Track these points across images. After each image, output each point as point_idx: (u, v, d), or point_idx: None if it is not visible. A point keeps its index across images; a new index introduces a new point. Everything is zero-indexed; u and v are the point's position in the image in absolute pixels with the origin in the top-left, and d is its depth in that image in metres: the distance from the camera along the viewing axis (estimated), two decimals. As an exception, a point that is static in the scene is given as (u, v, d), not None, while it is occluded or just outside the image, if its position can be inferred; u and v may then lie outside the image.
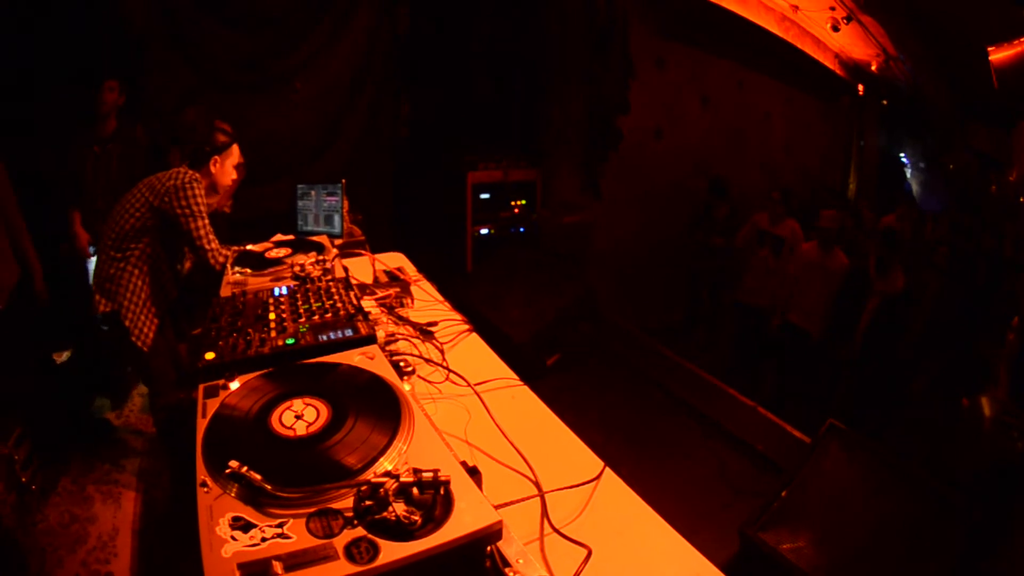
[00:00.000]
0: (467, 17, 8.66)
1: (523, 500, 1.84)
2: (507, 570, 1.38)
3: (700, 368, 7.04)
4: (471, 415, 2.29)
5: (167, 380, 4.21)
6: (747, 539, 4.01)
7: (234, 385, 1.87)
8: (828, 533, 3.95)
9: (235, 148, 4.16)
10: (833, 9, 10.22)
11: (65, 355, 5.85)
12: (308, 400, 1.72)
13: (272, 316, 2.41)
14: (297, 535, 1.26)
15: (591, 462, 2.09)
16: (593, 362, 7.14)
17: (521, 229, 9.08)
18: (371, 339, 2.24)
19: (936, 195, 12.68)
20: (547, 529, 1.75)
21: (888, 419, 6.69)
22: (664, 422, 6.50)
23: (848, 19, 10.26)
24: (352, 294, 2.66)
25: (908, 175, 14.12)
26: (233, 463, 1.38)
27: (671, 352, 7.51)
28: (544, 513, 1.80)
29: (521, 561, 1.39)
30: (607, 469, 2.03)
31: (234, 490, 1.38)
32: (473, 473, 1.52)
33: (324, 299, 2.58)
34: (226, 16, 6.82)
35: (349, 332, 2.25)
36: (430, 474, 1.33)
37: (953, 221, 9.39)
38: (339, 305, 2.51)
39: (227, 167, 4.13)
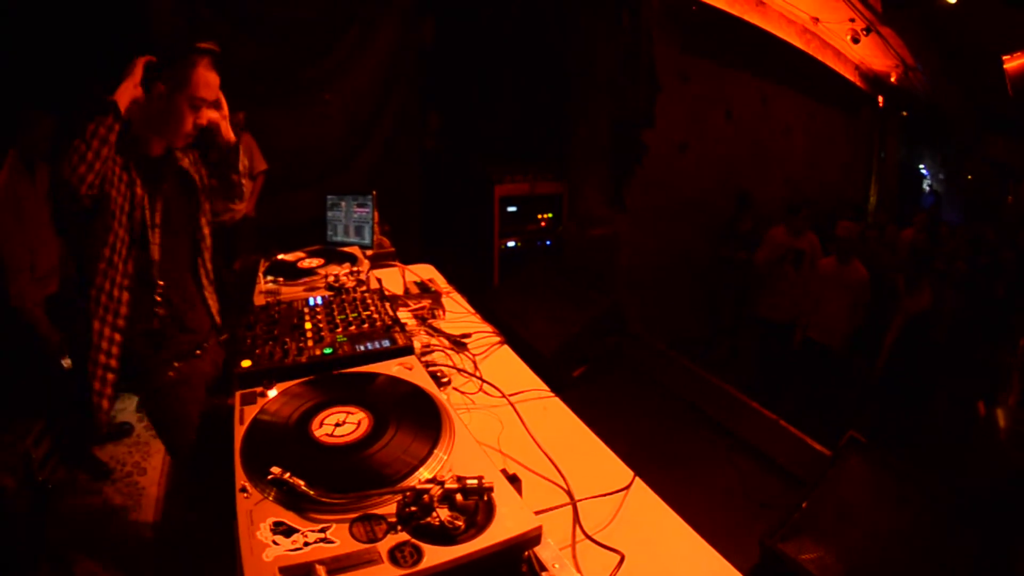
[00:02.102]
0: (493, 29, 8.68)
1: (556, 508, 1.86)
2: (543, 574, 1.38)
3: (723, 381, 7.04)
4: (504, 425, 2.31)
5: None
6: (767, 550, 4.02)
7: (272, 393, 1.89)
8: (847, 544, 3.94)
9: None
10: (853, 21, 10.23)
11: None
12: (348, 409, 1.75)
13: (308, 325, 2.44)
14: (340, 540, 1.28)
15: (621, 471, 2.10)
16: (618, 374, 7.13)
17: (547, 242, 9.08)
18: (408, 350, 2.27)
19: (954, 205, 12.65)
20: (579, 536, 1.77)
21: (907, 432, 6.69)
22: (687, 434, 6.49)
23: (868, 31, 10.26)
24: (388, 305, 2.69)
25: (927, 186, 14.10)
26: (275, 469, 1.41)
27: (694, 365, 7.51)
28: (576, 520, 1.81)
29: (557, 566, 1.39)
30: (637, 479, 2.05)
31: (274, 495, 1.41)
32: (513, 481, 1.55)
33: (360, 310, 2.60)
34: (252, 28, 6.90)
35: (387, 343, 2.28)
36: (475, 481, 1.36)
37: (972, 233, 9.35)
38: (375, 316, 2.53)
39: None
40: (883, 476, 4.29)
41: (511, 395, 2.44)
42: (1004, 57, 7.11)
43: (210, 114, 2.90)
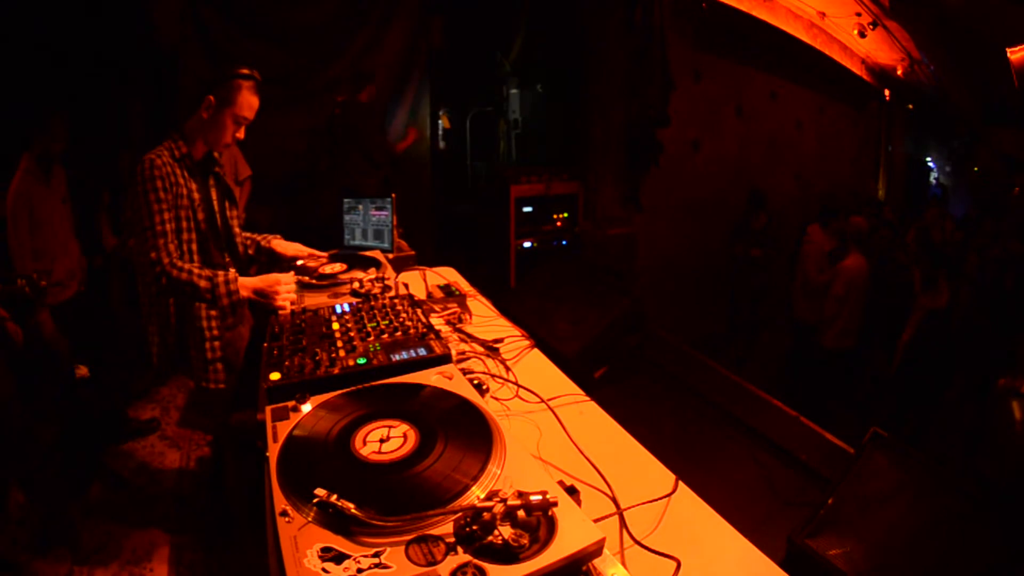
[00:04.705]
0: (503, 30, 8.67)
1: (605, 518, 1.80)
2: None
3: (743, 379, 7.03)
4: (541, 432, 2.26)
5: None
6: (795, 547, 4.02)
7: (306, 407, 1.81)
8: (874, 538, 3.94)
9: None
10: (859, 15, 10.23)
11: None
12: (391, 423, 1.68)
13: (338, 335, 2.37)
14: (396, 564, 1.21)
15: (660, 474, 2.07)
16: (639, 374, 7.12)
17: (564, 242, 9.06)
18: (447, 358, 2.20)
19: (961, 198, 12.66)
20: (627, 543, 1.73)
21: (924, 426, 6.68)
22: (709, 432, 6.48)
23: (874, 24, 10.27)
24: (420, 311, 2.62)
25: (934, 179, 14.11)
26: (320, 491, 1.34)
27: (715, 363, 7.50)
28: (624, 527, 1.77)
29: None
30: (680, 483, 2.01)
31: (317, 517, 1.33)
32: (572, 492, 1.48)
33: (392, 317, 2.54)
34: (261, 32, 6.90)
35: (423, 351, 2.21)
36: (539, 497, 1.29)
37: (979, 226, 9.35)
38: (408, 323, 2.46)
39: None
40: (907, 471, 4.28)
41: (549, 400, 2.39)
42: (1009, 49, 7.10)
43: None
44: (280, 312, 2.78)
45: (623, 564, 1.63)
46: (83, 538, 4.38)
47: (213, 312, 3.48)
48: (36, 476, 4.49)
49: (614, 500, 1.89)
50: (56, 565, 4.13)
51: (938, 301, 6.70)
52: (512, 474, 1.50)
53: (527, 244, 8.76)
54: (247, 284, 3.16)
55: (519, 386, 2.50)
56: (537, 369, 2.85)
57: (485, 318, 3.40)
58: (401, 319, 2.52)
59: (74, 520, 4.51)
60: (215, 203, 3.60)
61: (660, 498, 1.94)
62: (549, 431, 2.26)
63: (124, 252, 5.91)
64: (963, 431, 6.24)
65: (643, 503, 1.90)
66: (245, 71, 3.38)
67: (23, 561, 4.06)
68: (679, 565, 1.63)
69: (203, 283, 3.13)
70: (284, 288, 3.08)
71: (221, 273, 3.17)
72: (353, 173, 7.14)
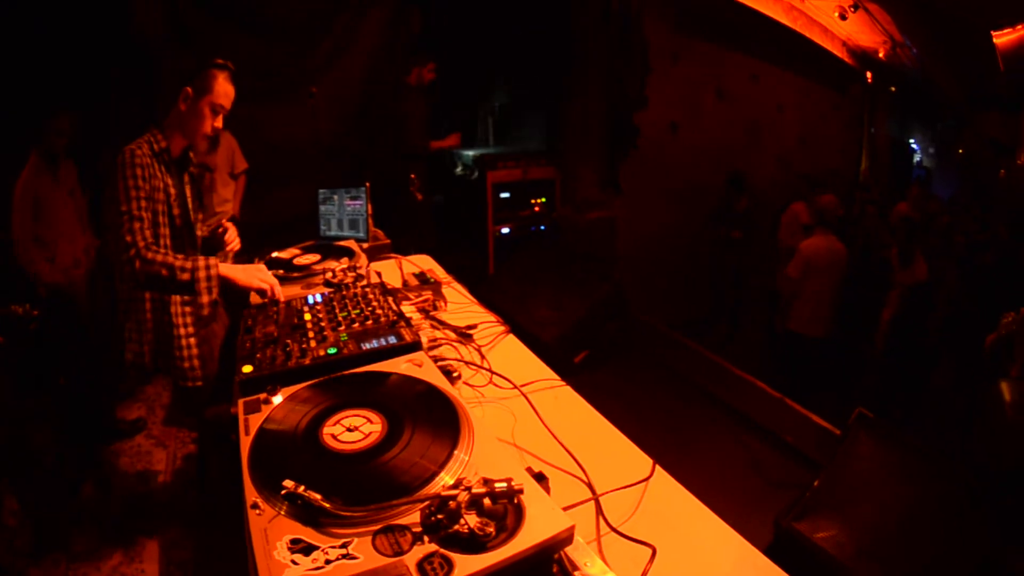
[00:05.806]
0: (482, 16, 8.66)
1: (580, 504, 1.79)
2: (576, 573, 1.32)
3: (727, 361, 7.01)
4: (516, 418, 2.24)
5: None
6: (782, 530, 4.01)
7: (277, 399, 1.82)
8: (861, 521, 3.95)
9: None
10: (840, -3, 10.22)
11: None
12: (360, 412, 1.68)
13: (309, 325, 2.37)
14: (364, 555, 1.21)
15: (638, 459, 2.05)
16: (620, 358, 7.11)
17: (542, 227, 9.08)
18: (416, 346, 2.20)
19: (945, 180, 12.67)
20: (603, 529, 1.72)
21: (912, 409, 6.68)
22: (693, 415, 6.47)
23: (855, 7, 10.24)
24: (391, 300, 2.62)
25: (918, 160, 14.12)
26: (288, 483, 1.33)
27: (699, 346, 7.48)
28: (600, 513, 1.76)
29: (588, 564, 1.34)
30: (657, 467, 1.99)
31: (288, 510, 1.33)
32: (540, 479, 1.49)
33: (363, 306, 2.53)
34: (239, 23, 6.86)
35: (393, 339, 2.20)
36: (503, 484, 1.29)
37: (966, 208, 9.36)
38: (379, 312, 2.46)
39: None
40: (893, 452, 4.28)
41: (521, 385, 2.37)
42: (994, 33, 7.07)
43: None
44: (278, 301, 2.78)
45: (600, 551, 1.63)
46: (75, 541, 4.36)
47: (188, 308, 3.47)
48: (30, 480, 4.49)
49: (590, 486, 1.88)
50: (51, 570, 4.10)
51: (916, 276, 6.67)
52: (480, 461, 1.50)
53: (505, 230, 8.78)
54: (228, 271, 3.07)
55: (492, 372, 2.49)
56: (512, 355, 2.83)
57: (460, 305, 3.39)
58: (372, 307, 2.52)
59: (68, 524, 4.49)
60: (190, 201, 3.60)
61: (636, 483, 1.92)
62: (524, 417, 2.24)
63: (105, 251, 5.90)
64: (955, 421, 6.22)
65: (619, 488, 1.89)
66: (220, 61, 3.42)
67: (19, 567, 4.05)
68: (655, 552, 1.61)
69: (179, 264, 3.01)
70: (269, 277, 3.03)
71: (201, 259, 3.08)
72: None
